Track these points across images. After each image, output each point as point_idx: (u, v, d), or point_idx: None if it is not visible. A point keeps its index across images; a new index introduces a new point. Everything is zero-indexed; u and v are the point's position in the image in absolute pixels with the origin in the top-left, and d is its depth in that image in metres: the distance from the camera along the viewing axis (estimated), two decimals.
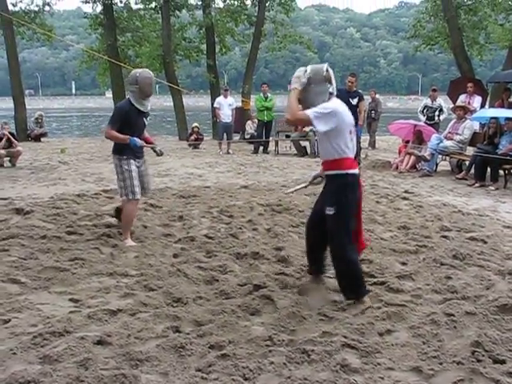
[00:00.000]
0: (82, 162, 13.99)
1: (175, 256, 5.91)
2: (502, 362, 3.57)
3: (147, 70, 6.52)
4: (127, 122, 6.18)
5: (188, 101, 23.70)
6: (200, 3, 22.93)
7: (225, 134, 17.09)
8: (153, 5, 23.07)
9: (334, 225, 4.45)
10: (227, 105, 16.76)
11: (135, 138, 6.17)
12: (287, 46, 25.15)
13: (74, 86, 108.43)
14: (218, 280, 5.14)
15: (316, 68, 4.48)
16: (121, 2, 23.55)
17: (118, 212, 6.78)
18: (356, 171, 4.51)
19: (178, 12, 23.05)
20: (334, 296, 4.74)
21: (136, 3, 23.90)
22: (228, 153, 16.29)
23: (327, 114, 4.29)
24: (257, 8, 23.22)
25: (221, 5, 24.07)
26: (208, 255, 5.93)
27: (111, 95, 24.86)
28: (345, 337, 3.88)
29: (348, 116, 4.47)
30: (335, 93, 4.50)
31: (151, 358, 3.57)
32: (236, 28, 24.30)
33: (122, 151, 6.28)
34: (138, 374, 3.35)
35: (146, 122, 6.52)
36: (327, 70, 4.44)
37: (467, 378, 3.36)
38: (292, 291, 4.86)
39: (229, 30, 23.69)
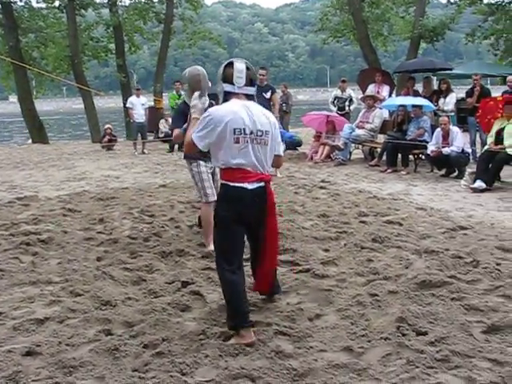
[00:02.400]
0: None
1: (99, 259, 5.82)
2: (425, 334, 3.80)
3: (197, 66, 6.13)
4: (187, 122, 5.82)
5: (98, 102, 23.15)
6: (106, 1, 22.47)
7: (139, 134, 16.87)
8: (56, 4, 22.40)
9: (213, 238, 4.13)
10: (140, 104, 16.54)
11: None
12: (197, 42, 25.10)
13: None
14: (145, 280, 5.12)
15: (221, 66, 4.04)
16: (21, 0, 22.71)
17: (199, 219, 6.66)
18: (246, 185, 3.82)
19: (83, 11, 22.44)
20: None
21: (37, 2, 23.11)
22: (143, 153, 16.12)
23: (204, 125, 3.80)
24: (165, 5, 23.03)
25: (127, 3, 23.76)
26: (133, 256, 5.88)
27: (16, 99, 23.96)
28: (276, 324, 3.99)
29: (236, 121, 3.77)
30: (239, 91, 3.92)
31: (85, 363, 3.52)
32: (144, 26, 24.00)
33: (188, 155, 6.02)
34: (73, 381, 3.31)
35: None
36: (228, 66, 3.93)
37: (394, 352, 3.55)
38: (219, 285, 4.90)
39: (137, 28, 23.36)
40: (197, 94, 4.55)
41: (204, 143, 3.81)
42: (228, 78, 3.90)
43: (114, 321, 4.17)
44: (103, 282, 5.07)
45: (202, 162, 6.02)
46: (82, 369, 3.46)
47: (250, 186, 3.81)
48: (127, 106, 17.48)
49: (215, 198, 6.12)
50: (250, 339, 3.71)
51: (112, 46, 23.24)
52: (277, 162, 4.20)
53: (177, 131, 5.98)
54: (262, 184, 3.87)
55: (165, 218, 7.49)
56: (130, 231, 6.85)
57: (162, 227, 6.96)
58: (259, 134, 3.83)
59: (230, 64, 3.93)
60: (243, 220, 3.87)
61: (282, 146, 4.25)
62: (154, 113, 19.13)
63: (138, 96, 16.86)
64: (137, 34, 23.98)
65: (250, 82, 3.98)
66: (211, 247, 5.93)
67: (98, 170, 12.55)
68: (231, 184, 3.82)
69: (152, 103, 20.55)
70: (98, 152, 16.98)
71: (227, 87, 3.90)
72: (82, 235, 6.73)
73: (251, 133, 3.79)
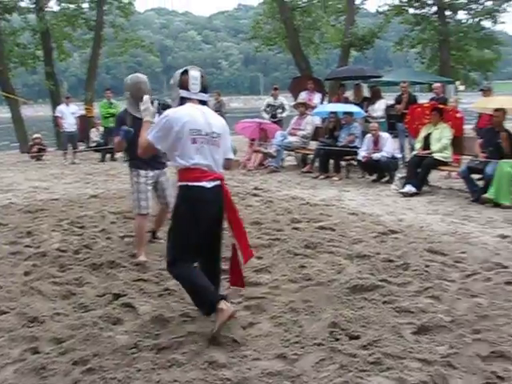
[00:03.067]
0: None
1: (26, 274, 5.58)
2: (357, 338, 3.86)
3: (138, 74, 6.14)
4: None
5: (26, 111, 22.45)
6: (33, 6, 21.81)
7: (69, 144, 16.44)
8: None
9: (167, 238, 4.23)
10: (70, 113, 16.14)
11: (123, 128, 5.72)
12: (128, 50, 24.72)
13: None
14: (75, 294, 4.96)
15: (176, 72, 4.21)
16: None
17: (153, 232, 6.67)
18: (205, 184, 3.99)
19: (7, 15, 21.61)
20: None
21: None
22: (74, 163, 15.71)
23: (162, 126, 3.98)
24: (95, 12, 22.58)
25: (56, 8, 23.07)
26: (62, 269, 5.69)
27: None
28: (209, 334, 3.94)
29: (193, 122, 3.96)
30: (194, 97, 4.11)
31: None
32: (74, 33, 23.43)
33: (131, 163, 6.05)
34: None
35: None
36: (183, 74, 4.13)
37: (328, 357, 3.58)
38: (152, 296, 4.83)
39: (66, 34, 22.74)
40: (147, 97, 4.56)
41: (162, 143, 3.98)
42: (184, 85, 4.10)
43: (41, 338, 4.01)
44: (31, 297, 4.89)
45: (141, 172, 5.99)
46: None
47: (208, 185, 3.99)
48: (56, 114, 17.03)
49: (148, 210, 6.08)
50: (231, 310, 3.87)
51: (40, 52, 22.52)
52: (228, 164, 4.36)
53: (117, 139, 5.91)
54: (219, 182, 4.06)
55: (96, 229, 7.31)
56: (60, 244, 6.63)
57: (93, 239, 6.79)
58: (214, 135, 4.05)
59: (186, 71, 4.13)
60: (203, 219, 4.01)
61: (232, 154, 4.42)
62: (85, 121, 18.71)
63: (67, 104, 16.46)
64: (66, 41, 23.35)
65: (204, 88, 4.18)
66: (141, 258, 5.87)
67: (26, 182, 12.13)
68: (190, 184, 3.98)
69: (83, 112, 20.08)
70: (27, 162, 16.43)
71: (183, 93, 4.10)
72: (8, 249, 6.46)
73: (207, 134, 4.01)
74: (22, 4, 22.15)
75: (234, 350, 3.74)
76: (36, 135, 17.97)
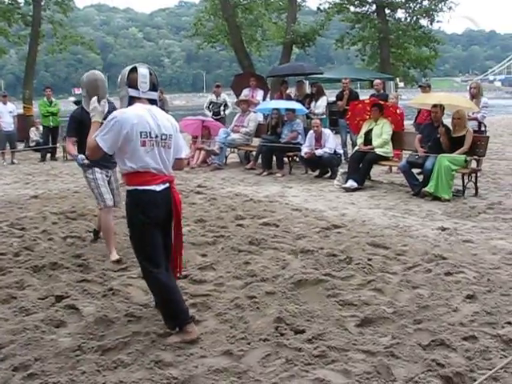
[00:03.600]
0: None
1: None
2: (302, 332, 3.91)
3: (95, 71, 5.97)
4: (82, 129, 5.49)
5: None
6: None
7: (7, 143, 15.99)
8: None
9: (133, 247, 4.16)
10: (7, 112, 15.68)
11: (81, 157, 5.70)
12: (68, 47, 24.22)
13: None
14: (15, 297, 4.82)
15: (123, 70, 4.07)
16: None
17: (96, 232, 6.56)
18: (155, 187, 3.88)
19: None
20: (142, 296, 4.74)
21: None
22: (13, 163, 15.29)
23: (110, 128, 3.80)
24: (31, 7, 21.97)
25: None
26: (1, 272, 5.51)
27: None
28: (155, 333, 3.92)
29: (142, 124, 3.82)
30: (143, 96, 3.97)
31: None
32: (10, 28, 22.75)
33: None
34: None
35: None
36: (132, 71, 3.98)
37: (273, 352, 3.62)
38: (96, 297, 4.76)
39: (1, 30, 22.08)
40: (95, 98, 4.46)
41: (110, 146, 3.81)
42: (132, 83, 3.97)
43: None
44: None
45: (97, 169, 5.94)
46: None
47: (158, 188, 3.90)
48: None
49: (112, 203, 6.03)
50: (195, 334, 3.85)
51: None
52: (178, 164, 4.26)
53: (73, 152, 5.94)
54: (168, 185, 3.97)
55: (37, 230, 7.13)
56: None
57: (34, 240, 6.62)
58: (163, 137, 3.93)
59: (134, 69, 4.00)
60: (156, 221, 3.93)
61: (186, 149, 4.34)
62: (24, 120, 18.25)
63: (4, 103, 15.97)
64: (1, 37, 22.65)
65: (153, 86, 4.06)
66: (113, 257, 5.80)
67: None
68: (140, 188, 3.87)
69: (21, 111, 19.56)
70: None
71: (132, 92, 3.97)
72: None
73: (156, 136, 3.88)
74: None
75: (179, 348, 3.73)
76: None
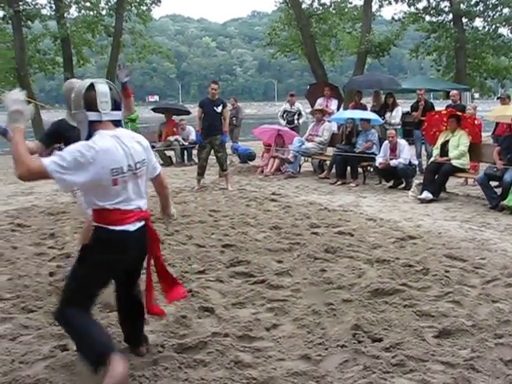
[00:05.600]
0: None
1: (52, 274, 5.68)
2: (380, 340, 3.91)
3: (72, 80, 5.61)
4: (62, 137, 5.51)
5: (44, 116, 22.66)
6: (53, 13, 22.13)
7: None
8: (0, 14, 21.92)
9: (66, 280, 3.60)
10: None
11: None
12: (146, 56, 25.00)
13: None
14: (99, 294, 5.04)
15: (76, 88, 3.32)
16: None
17: None
18: (128, 227, 3.29)
19: (30, 22, 21.99)
20: (220, 299, 4.84)
21: None
22: None
23: (73, 162, 3.03)
24: (114, 18, 22.87)
25: (76, 15, 23.42)
26: None
27: None
28: (234, 335, 4.02)
29: (112, 160, 3.16)
30: (105, 118, 3.28)
31: (41, 380, 3.45)
32: (93, 39, 23.77)
33: None
34: None
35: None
36: (89, 89, 3.24)
37: (351, 359, 3.64)
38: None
39: (86, 41, 23.10)
40: (19, 93, 3.18)
41: (68, 186, 3.17)
42: (91, 105, 3.23)
43: (69, 336, 4.10)
44: (56, 297, 4.95)
45: None
46: None
47: (132, 228, 3.32)
48: None
49: None
50: (125, 366, 3.17)
51: (60, 58, 22.86)
52: (159, 181, 3.74)
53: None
54: (143, 223, 3.41)
55: None
56: None
57: None
58: (137, 166, 3.33)
59: (91, 87, 3.25)
60: (121, 265, 3.41)
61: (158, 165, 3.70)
62: None
63: None
64: (85, 47, 23.69)
65: (115, 104, 3.35)
66: None
67: (48, 185, 12.17)
68: (111, 228, 3.26)
69: None
70: None
71: (92, 116, 3.24)
72: (32, 250, 6.58)
73: (129, 169, 3.27)
74: (44, 11, 22.57)
75: (258, 350, 3.81)
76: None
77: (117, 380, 3.05)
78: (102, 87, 3.27)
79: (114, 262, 3.33)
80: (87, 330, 3.26)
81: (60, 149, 4.87)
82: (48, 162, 2.99)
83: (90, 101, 3.22)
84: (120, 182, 3.23)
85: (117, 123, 3.39)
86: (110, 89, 3.32)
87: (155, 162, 3.61)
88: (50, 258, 6.26)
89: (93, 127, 3.26)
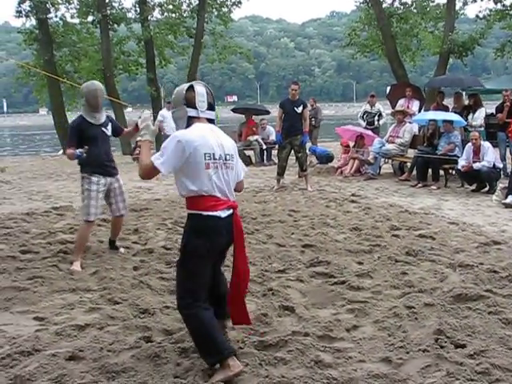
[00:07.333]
0: (26, 181, 13.67)
1: (136, 268, 5.91)
2: (463, 347, 3.82)
3: (94, 81, 6.36)
4: (84, 137, 6.04)
5: (127, 115, 23.40)
6: (138, 16, 22.86)
7: None
8: (90, 19, 22.85)
9: (176, 272, 3.87)
10: (171, 117, 16.72)
11: (79, 150, 5.96)
12: (226, 57, 25.35)
13: (5, 104, 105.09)
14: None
15: (178, 89, 3.84)
16: (56, 16, 23.12)
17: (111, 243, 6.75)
18: (219, 213, 3.59)
19: (116, 26, 22.83)
20: (301, 299, 4.87)
21: (72, 17, 23.62)
22: None
23: (173, 149, 3.53)
24: (195, 20, 23.34)
25: (158, 17, 24.08)
26: (169, 266, 5.94)
27: (45, 112, 24.45)
28: (314, 334, 4.04)
29: (206, 145, 3.57)
30: (202, 115, 3.74)
31: (127, 369, 3.59)
32: (175, 40, 24.36)
33: (82, 169, 6.21)
34: None
35: (109, 133, 6.31)
36: (189, 90, 3.74)
37: (433, 364, 3.57)
38: (256, 295, 4.96)
39: (168, 42, 23.70)
40: (148, 114, 4.23)
41: (169, 168, 3.54)
42: (190, 102, 3.72)
43: (153, 328, 4.26)
44: (141, 290, 5.17)
45: (93, 180, 6.10)
46: (124, 374, 3.54)
47: (223, 215, 3.61)
48: (158, 119, 17.65)
49: (96, 217, 6.24)
50: (239, 368, 3.48)
51: (143, 59, 23.56)
52: (239, 186, 4.00)
53: (71, 152, 6.02)
54: (231, 211, 3.67)
55: None
56: (165, 242, 6.95)
57: None
58: (227, 158, 3.69)
59: (191, 88, 3.74)
60: (215, 251, 3.68)
61: (244, 170, 4.04)
62: None
63: (168, 109, 17.04)
64: (167, 48, 24.31)
65: (210, 106, 3.81)
66: (76, 267, 5.93)
67: (130, 182, 12.65)
68: (204, 213, 3.57)
69: None
70: (129, 164, 17.07)
71: (191, 112, 3.71)
72: (117, 245, 6.84)
73: (220, 158, 3.63)
74: (129, 15, 23.33)
75: (338, 350, 3.81)
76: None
77: (228, 378, 3.43)
78: (201, 89, 3.76)
79: (210, 247, 3.59)
80: (207, 332, 3.55)
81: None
82: (153, 157, 3.59)
83: (189, 99, 3.71)
84: (212, 167, 3.58)
85: (211, 121, 3.82)
86: (207, 92, 3.79)
87: (241, 168, 3.97)
88: (134, 253, 6.51)
89: (191, 122, 3.71)
